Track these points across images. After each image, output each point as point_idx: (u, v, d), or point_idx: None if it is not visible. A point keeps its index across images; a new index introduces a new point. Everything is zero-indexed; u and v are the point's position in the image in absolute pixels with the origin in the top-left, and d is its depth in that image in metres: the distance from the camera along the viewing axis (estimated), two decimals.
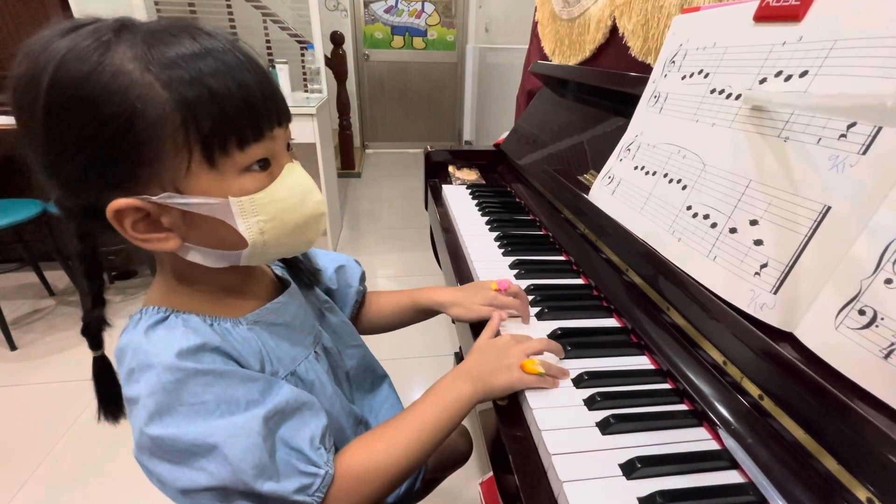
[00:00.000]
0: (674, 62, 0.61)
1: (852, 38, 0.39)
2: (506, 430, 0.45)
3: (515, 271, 0.72)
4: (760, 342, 0.39)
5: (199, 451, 0.35)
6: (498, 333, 0.55)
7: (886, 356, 0.32)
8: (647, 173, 0.61)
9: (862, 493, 0.32)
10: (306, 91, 2.45)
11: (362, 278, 0.67)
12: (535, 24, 1.41)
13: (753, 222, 0.44)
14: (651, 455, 0.40)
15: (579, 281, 0.71)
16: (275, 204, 0.39)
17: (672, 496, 0.36)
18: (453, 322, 0.66)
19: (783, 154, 0.43)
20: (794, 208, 0.40)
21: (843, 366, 0.34)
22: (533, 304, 0.63)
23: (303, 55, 2.74)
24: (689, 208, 0.52)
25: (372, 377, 0.65)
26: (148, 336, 0.38)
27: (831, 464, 0.34)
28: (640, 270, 0.59)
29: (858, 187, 0.36)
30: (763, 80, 0.46)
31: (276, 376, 0.44)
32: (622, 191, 0.65)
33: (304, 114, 1.97)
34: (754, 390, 0.41)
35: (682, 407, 0.47)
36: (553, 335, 0.56)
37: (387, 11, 4.26)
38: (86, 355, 0.43)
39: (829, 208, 0.38)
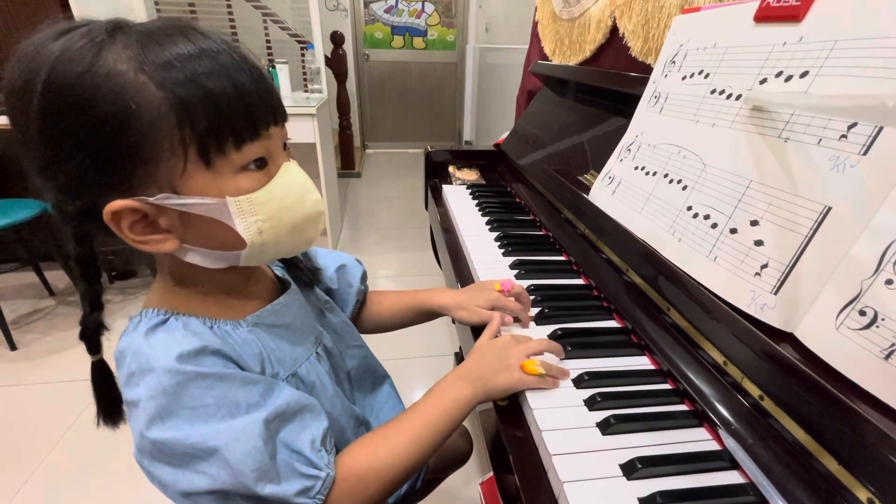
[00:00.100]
0: (674, 62, 0.61)
1: (853, 39, 0.39)
2: (506, 430, 0.45)
3: (516, 271, 0.72)
4: (761, 343, 0.39)
5: (200, 455, 0.35)
6: (498, 334, 0.55)
7: (887, 357, 0.32)
8: (647, 173, 0.61)
9: (862, 494, 0.32)
10: (306, 91, 2.45)
11: (363, 278, 0.67)
12: (535, 24, 1.41)
13: (754, 223, 0.44)
14: (651, 455, 0.40)
15: (579, 281, 0.71)
16: (272, 203, 0.39)
17: (672, 496, 0.36)
18: (454, 322, 0.66)
19: (784, 154, 0.43)
20: (795, 209, 0.40)
21: (844, 366, 0.34)
22: (533, 304, 0.63)
23: (303, 55, 2.74)
24: (689, 208, 0.52)
25: (373, 377, 0.65)
26: (148, 339, 0.37)
27: (832, 464, 0.34)
28: (641, 271, 0.59)
29: (859, 188, 0.36)
30: (763, 81, 0.46)
31: (277, 378, 0.44)
32: (622, 191, 0.65)
33: (304, 114, 1.97)
34: (755, 391, 0.41)
35: (683, 407, 0.47)
36: (553, 335, 0.56)
37: (387, 11, 4.26)
38: (86, 355, 0.43)
39: (829, 209, 0.38)
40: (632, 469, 0.39)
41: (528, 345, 0.50)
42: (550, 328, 0.58)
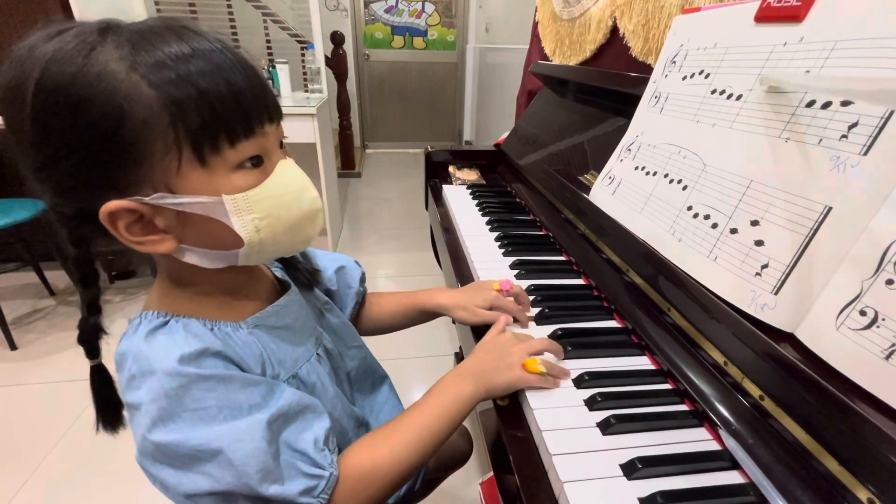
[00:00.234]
0: (674, 62, 0.61)
1: (854, 39, 0.39)
2: (506, 430, 0.45)
3: (516, 271, 0.72)
4: (761, 343, 0.39)
5: (204, 456, 0.35)
6: None
7: (887, 357, 0.32)
8: (647, 173, 0.61)
9: (863, 494, 0.32)
10: (306, 91, 2.45)
11: (362, 279, 0.67)
12: (535, 25, 1.41)
13: (754, 223, 0.44)
14: (652, 455, 0.40)
15: (580, 281, 0.71)
16: (269, 201, 0.38)
17: (673, 497, 0.36)
18: (453, 322, 0.66)
19: (784, 154, 0.43)
20: (795, 209, 0.40)
21: (844, 366, 0.34)
22: (533, 304, 0.63)
23: (303, 55, 2.74)
24: (689, 209, 0.52)
25: (372, 378, 0.65)
26: (148, 341, 0.37)
27: (832, 464, 0.34)
28: (641, 271, 0.59)
29: (859, 188, 0.36)
30: None
31: (278, 379, 0.44)
32: (623, 191, 0.65)
33: (304, 114, 1.97)
34: (755, 391, 0.41)
35: (683, 407, 0.47)
36: (554, 336, 0.56)
37: (387, 11, 4.26)
38: (84, 354, 0.43)
39: (830, 209, 0.38)
40: (632, 469, 0.39)
41: (529, 343, 0.50)
42: (551, 328, 0.58)
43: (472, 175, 1.19)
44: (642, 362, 0.53)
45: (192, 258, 0.40)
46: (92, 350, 0.42)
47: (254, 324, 0.44)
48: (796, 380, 0.36)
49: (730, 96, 0.50)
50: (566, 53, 1.19)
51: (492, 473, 0.75)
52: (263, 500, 0.37)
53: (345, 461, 0.42)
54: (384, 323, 0.69)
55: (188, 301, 0.42)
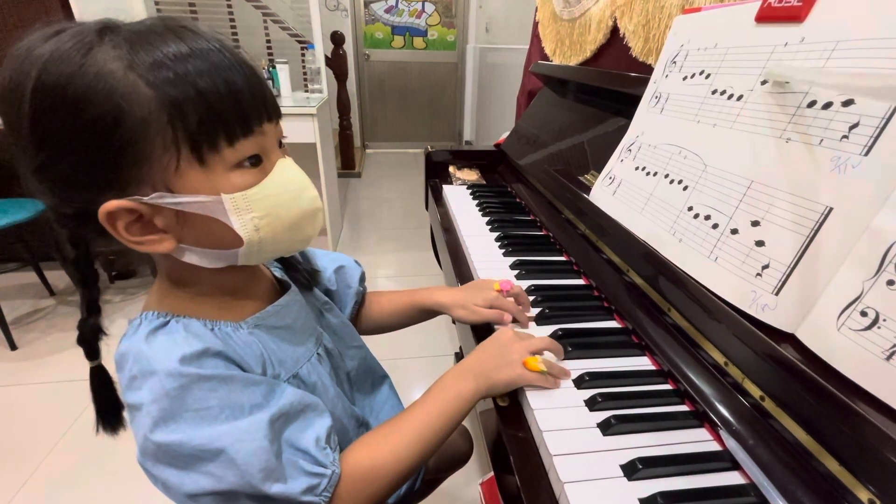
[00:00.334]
0: (675, 63, 0.61)
1: (855, 39, 0.39)
2: (507, 430, 0.45)
3: (516, 272, 0.72)
4: (762, 343, 0.39)
5: (206, 456, 0.35)
6: None
7: (888, 358, 0.32)
8: (648, 174, 0.61)
9: (863, 495, 0.32)
10: (307, 91, 2.45)
11: (362, 279, 0.67)
12: (535, 25, 1.41)
13: (755, 223, 0.44)
14: (652, 456, 0.40)
15: (580, 281, 0.71)
16: (268, 199, 0.38)
17: (673, 497, 0.36)
18: (453, 322, 0.66)
19: (785, 155, 0.42)
20: (796, 209, 0.40)
21: (845, 367, 0.34)
22: (533, 304, 0.63)
23: (303, 55, 2.74)
24: (690, 209, 0.52)
25: (372, 378, 0.65)
26: (149, 342, 0.37)
27: (833, 465, 0.34)
28: (641, 271, 0.59)
29: (860, 188, 0.36)
30: (765, 82, 0.46)
31: (279, 379, 0.44)
32: (623, 191, 0.64)
33: (304, 114, 1.97)
34: (755, 391, 0.41)
35: (684, 408, 0.47)
36: (554, 336, 0.56)
37: (387, 11, 4.26)
38: (84, 355, 0.43)
39: (830, 209, 0.38)
40: (633, 470, 0.39)
41: (530, 341, 0.51)
42: (551, 328, 0.58)
43: (472, 175, 1.19)
44: (643, 363, 0.53)
45: (191, 258, 0.40)
46: (92, 351, 0.42)
47: (254, 324, 0.44)
48: (797, 380, 0.36)
49: (730, 97, 0.50)
50: (566, 53, 1.19)
51: (492, 474, 0.75)
52: (266, 499, 0.37)
53: (346, 459, 0.42)
54: (384, 322, 0.69)
55: (188, 301, 0.42)
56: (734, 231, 0.46)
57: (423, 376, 1.61)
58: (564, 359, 0.52)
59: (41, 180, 0.34)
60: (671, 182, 0.56)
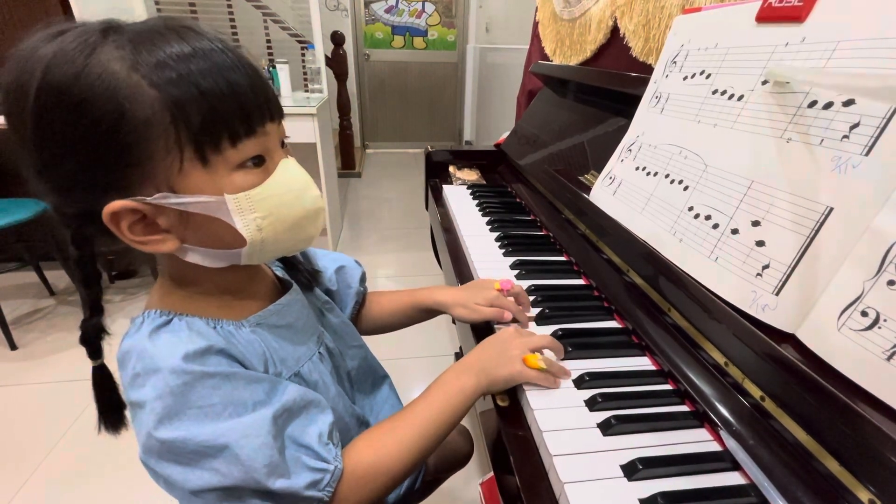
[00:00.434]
0: (675, 62, 0.61)
1: (855, 40, 0.39)
2: (507, 430, 0.45)
3: (516, 272, 0.72)
4: (762, 343, 0.39)
5: (211, 452, 0.35)
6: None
7: (889, 358, 0.32)
8: (648, 174, 0.61)
9: (864, 495, 0.32)
10: (307, 91, 2.45)
11: (362, 279, 0.67)
12: (535, 25, 1.41)
13: (755, 223, 0.44)
14: (652, 456, 0.40)
15: (580, 281, 0.71)
16: (271, 199, 0.39)
17: (674, 497, 0.36)
18: (453, 322, 0.66)
19: (786, 155, 0.42)
20: (797, 209, 0.40)
21: (846, 367, 0.34)
22: (533, 304, 0.63)
23: (303, 55, 2.74)
24: (690, 209, 0.52)
25: (373, 378, 0.65)
26: (152, 340, 0.37)
27: (833, 465, 0.34)
28: (642, 271, 0.59)
29: (861, 188, 0.36)
30: (765, 82, 0.46)
31: (280, 378, 0.44)
32: (623, 191, 0.64)
33: (304, 114, 1.97)
34: (756, 391, 0.41)
35: (684, 408, 0.46)
36: (554, 336, 0.56)
37: (387, 11, 4.26)
38: (86, 356, 0.43)
39: (831, 209, 0.38)
40: (633, 470, 0.39)
41: (530, 339, 0.51)
42: (551, 328, 0.58)
43: (472, 175, 1.19)
44: (643, 363, 0.53)
45: (194, 257, 0.40)
46: (94, 350, 0.42)
47: (256, 322, 0.44)
48: (797, 380, 0.36)
49: (731, 97, 0.50)
50: (566, 53, 1.19)
51: (492, 474, 0.75)
52: (270, 494, 0.37)
53: (349, 455, 0.42)
54: (384, 322, 0.69)
55: (190, 300, 0.42)
56: (734, 231, 0.46)
57: (424, 376, 1.61)
58: (564, 359, 0.52)
59: (45, 180, 0.35)
60: (671, 182, 0.56)
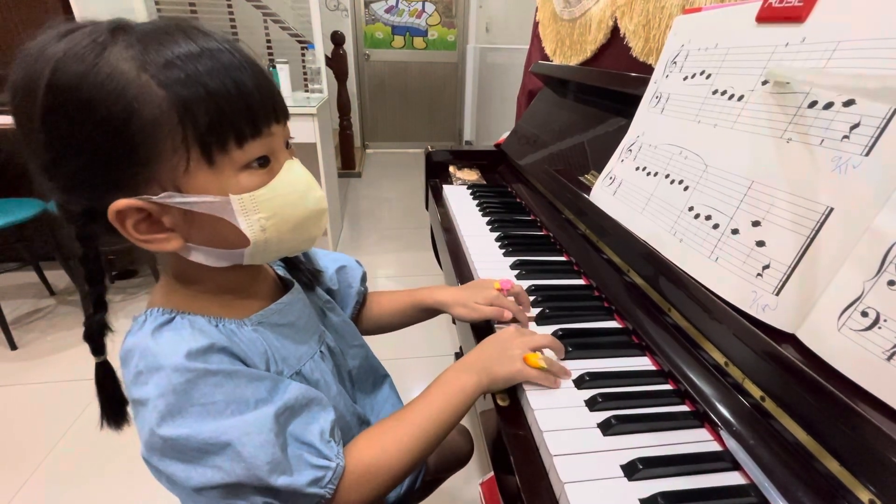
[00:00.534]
0: (675, 63, 0.61)
1: (855, 40, 0.39)
2: (507, 430, 0.45)
3: (516, 272, 0.72)
4: (762, 343, 0.39)
5: (213, 450, 0.35)
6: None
7: (889, 358, 0.32)
8: (648, 174, 0.61)
9: (864, 495, 0.32)
10: (307, 91, 2.45)
11: (363, 279, 0.67)
12: (535, 25, 1.41)
13: (756, 223, 0.44)
14: (653, 456, 0.40)
15: (580, 281, 0.71)
16: (275, 200, 0.39)
17: (674, 497, 0.36)
18: (454, 322, 0.66)
19: (786, 155, 0.42)
20: (797, 209, 0.40)
21: (846, 367, 0.34)
22: (534, 304, 0.63)
23: (303, 55, 2.74)
24: (690, 209, 0.52)
25: (374, 377, 0.65)
26: (155, 338, 0.38)
27: (833, 465, 0.34)
28: (642, 271, 0.59)
29: (861, 188, 0.36)
30: (766, 82, 0.46)
31: (282, 376, 0.44)
32: (623, 191, 0.64)
33: (304, 113, 1.97)
34: (756, 391, 0.41)
35: (684, 408, 0.47)
36: (554, 336, 0.56)
37: (387, 11, 4.26)
38: (86, 355, 0.43)
39: (831, 209, 0.38)
40: (633, 470, 0.39)
41: (531, 338, 0.51)
42: (551, 328, 0.58)
43: (472, 175, 1.19)
44: (643, 363, 0.53)
45: (197, 257, 0.40)
46: (98, 347, 0.42)
47: (257, 321, 0.44)
48: (797, 380, 0.36)
49: (731, 97, 0.50)
50: (567, 53, 1.19)
51: (492, 474, 0.75)
52: (272, 491, 0.37)
53: (350, 452, 0.43)
54: (385, 321, 0.69)
55: (193, 299, 0.42)
56: (735, 231, 0.46)
57: (424, 376, 1.61)
58: (565, 359, 0.52)
59: (51, 178, 0.35)
60: (672, 182, 0.56)
